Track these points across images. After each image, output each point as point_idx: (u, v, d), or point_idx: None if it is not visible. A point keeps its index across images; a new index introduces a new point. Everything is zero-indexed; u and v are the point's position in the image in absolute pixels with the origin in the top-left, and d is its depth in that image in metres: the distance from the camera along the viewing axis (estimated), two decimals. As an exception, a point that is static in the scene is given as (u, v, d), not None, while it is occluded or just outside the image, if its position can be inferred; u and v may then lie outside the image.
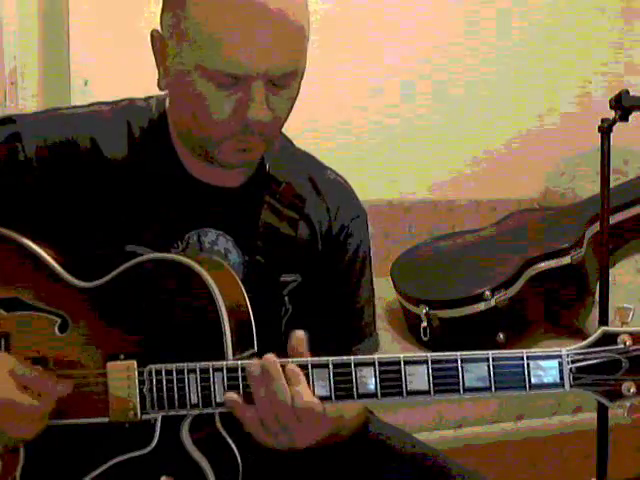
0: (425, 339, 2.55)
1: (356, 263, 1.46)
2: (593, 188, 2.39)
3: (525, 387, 1.16)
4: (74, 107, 1.43)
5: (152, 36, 1.31)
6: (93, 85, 2.68)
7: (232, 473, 1.27)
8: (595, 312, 2.02)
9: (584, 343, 1.16)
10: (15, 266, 1.29)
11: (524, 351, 1.16)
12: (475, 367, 1.16)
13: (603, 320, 1.93)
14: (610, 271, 1.98)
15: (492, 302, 2.53)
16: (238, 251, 1.37)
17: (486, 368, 1.16)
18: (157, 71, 1.31)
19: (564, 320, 2.80)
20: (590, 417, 2.12)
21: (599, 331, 1.16)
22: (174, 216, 1.34)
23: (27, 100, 2.68)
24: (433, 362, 1.17)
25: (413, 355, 1.19)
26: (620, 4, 3.34)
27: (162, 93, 1.39)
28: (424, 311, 2.57)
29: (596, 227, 2.51)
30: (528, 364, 1.16)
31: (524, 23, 3.21)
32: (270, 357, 1.19)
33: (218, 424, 1.25)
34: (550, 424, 2.49)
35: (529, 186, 3.26)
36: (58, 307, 1.27)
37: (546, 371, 1.15)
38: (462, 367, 1.16)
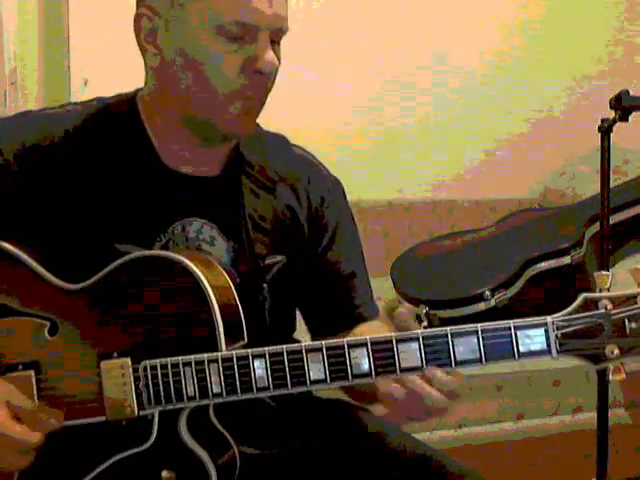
0: (425, 339, 2.55)
1: (338, 231, 1.48)
2: (593, 188, 2.39)
3: (514, 356, 1.19)
4: (45, 109, 1.45)
5: (137, 17, 1.33)
6: (93, 85, 2.68)
7: (230, 465, 1.28)
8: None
9: (567, 310, 1.20)
10: (1, 273, 1.29)
11: (511, 322, 1.20)
12: (465, 340, 1.19)
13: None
14: (610, 271, 1.97)
15: (492, 302, 2.53)
16: (223, 238, 1.38)
17: (475, 340, 1.19)
18: (142, 53, 1.34)
19: (564, 320, 2.80)
20: (590, 417, 2.12)
21: (580, 297, 1.20)
22: (156, 209, 1.35)
23: (27, 100, 2.68)
24: (424, 338, 1.20)
25: (404, 333, 1.20)
26: (622, 3, 3.34)
27: (131, 90, 1.42)
28: (424, 311, 2.57)
29: (596, 227, 2.50)
30: (516, 333, 1.19)
31: (524, 22, 3.21)
32: (415, 379, 1.19)
33: (212, 417, 1.26)
34: (550, 424, 2.50)
35: (529, 186, 3.26)
36: (46, 311, 1.27)
37: (533, 339, 1.19)
38: (452, 341, 1.19)
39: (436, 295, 2.62)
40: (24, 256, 1.29)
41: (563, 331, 1.18)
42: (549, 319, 1.19)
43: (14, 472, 1.25)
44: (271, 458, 1.39)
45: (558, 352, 1.18)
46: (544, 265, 2.65)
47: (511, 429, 2.46)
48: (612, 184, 1.94)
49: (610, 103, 1.89)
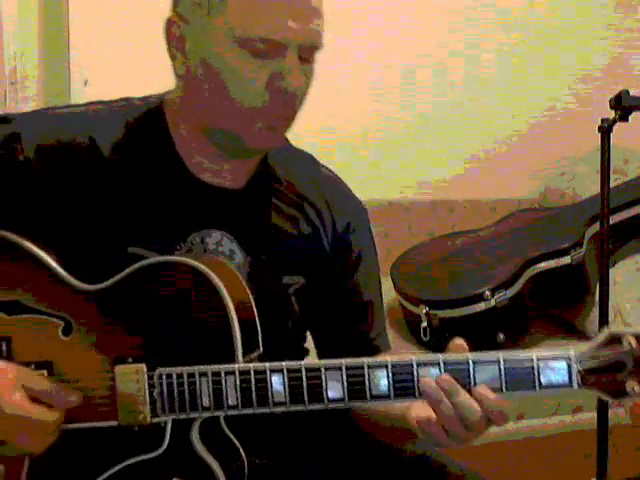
0: (425, 339, 2.55)
1: (362, 258, 1.46)
2: (593, 188, 2.39)
3: (535, 387, 1.18)
4: (70, 106, 1.41)
5: (168, 23, 1.30)
6: (93, 85, 2.68)
7: (238, 473, 1.27)
8: (595, 312, 2.02)
9: (591, 344, 1.18)
10: (16, 269, 1.27)
11: (534, 352, 1.18)
12: (486, 368, 1.18)
13: (603, 320, 1.93)
14: (610, 271, 1.98)
15: (492, 302, 2.53)
16: (242, 252, 1.36)
17: (497, 369, 1.18)
18: (172, 59, 1.31)
19: (564, 320, 2.80)
20: (590, 417, 2.12)
21: (605, 332, 1.18)
22: (177, 218, 1.33)
23: (27, 100, 2.68)
24: (445, 364, 1.18)
25: (425, 357, 1.19)
26: (622, 4, 3.34)
27: (159, 92, 1.39)
28: (424, 311, 2.57)
29: (596, 227, 2.51)
30: (538, 365, 1.17)
31: (524, 22, 3.21)
32: (446, 377, 1.17)
33: (223, 425, 1.25)
34: (550, 424, 2.49)
35: (529, 186, 3.26)
36: (61, 310, 1.25)
37: (555, 372, 1.18)
38: (474, 369, 1.18)
39: (436, 295, 2.63)
40: (40, 253, 1.27)
41: (586, 366, 1.17)
42: (572, 352, 1.18)
43: (25, 461, 1.23)
44: (277, 468, 1.38)
45: (579, 386, 1.18)
46: (544, 265, 2.65)
47: (511, 429, 2.45)
48: (612, 184, 1.94)
49: (610, 103, 1.88)
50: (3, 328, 1.25)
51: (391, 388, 1.18)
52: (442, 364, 1.18)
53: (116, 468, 1.23)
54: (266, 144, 1.32)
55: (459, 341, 1.20)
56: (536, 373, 1.17)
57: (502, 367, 1.17)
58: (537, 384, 1.17)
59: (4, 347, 1.25)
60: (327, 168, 1.49)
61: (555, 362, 1.18)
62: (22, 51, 2.68)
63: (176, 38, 1.29)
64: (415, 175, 3.14)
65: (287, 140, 1.41)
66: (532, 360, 1.17)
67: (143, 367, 1.22)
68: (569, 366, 1.17)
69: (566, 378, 1.17)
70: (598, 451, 1.99)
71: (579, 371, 1.17)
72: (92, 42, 2.69)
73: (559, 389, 1.18)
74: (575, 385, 1.18)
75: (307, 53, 1.28)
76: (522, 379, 1.18)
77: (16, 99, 2.68)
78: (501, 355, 1.18)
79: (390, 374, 1.18)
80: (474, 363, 1.18)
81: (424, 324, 2.56)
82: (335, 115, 2.94)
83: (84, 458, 1.24)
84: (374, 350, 1.44)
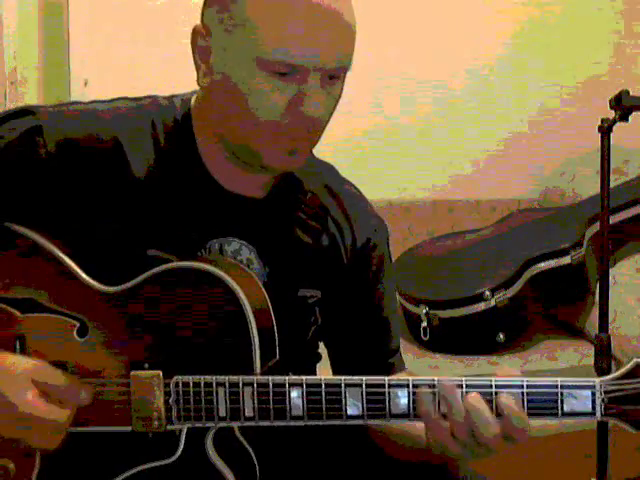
0: (425, 339, 2.55)
1: (381, 274, 1.46)
2: (593, 188, 2.39)
3: (557, 414, 1.17)
4: (95, 102, 1.36)
5: (194, 32, 1.27)
6: (93, 85, 2.68)
7: None
8: (595, 312, 2.02)
9: (617, 374, 1.17)
10: (31, 266, 1.25)
11: (558, 380, 1.18)
12: (509, 393, 1.17)
13: (603, 320, 1.93)
14: (610, 271, 1.97)
15: (492, 302, 2.53)
16: (260, 262, 1.34)
17: (520, 394, 1.17)
18: (196, 69, 1.28)
19: (564, 320, 2.80)
20: (590, 417, 2.11)
21: (632, 362, 1.17)
22: (197, 223, 1.31)
23: (27, 100, 2.68)
24: (468, 386, 1.17)
25: (448, 378, 1.19)
26: (622, 4, 3.34)
27: (186, 92, 1.37)
28: (424, 311, 2.57)
29: (596, 227, 2.51)
30: (562, 392, 1.17)
31: (524, 22, 3.21)
32: (446, 382, 1.17)
33: (238, 434, 1.24)
34: (550, 424, 2.48)
35: (529, 186, 3.26)
36: (77, 310, 1.23)
37: (579, 400, 1.17)
38: (496, 393, 1.17)
39: (436, 295, 2.63)
40: (58, 251, 1.25)
41: (610, 395, 1.16)
42: (597, 381, 1.17)
43: (35, 462, 1.22)
44: (284, 465, 1.38)
45: (602, 415, 1.17)
46: (544, 265, 2.65)
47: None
48: (612, 184, 1.94)
49: (610, 103, 1.88)
50: (17, 326, 1.23)
51: (411, 407, 1.17)
52: (465, 386, 1.17)
53: (128, 473, 1.21)
54: (284, 166, 1.30)
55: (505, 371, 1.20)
56: (559, 401, 1.17)
57: (525, 393, 1.17)
58: (559, 411, 1.17)
59: (18, 345, 1.23)
60: (350, 184, 1.47)
61: (579, 390, 1.17)
62: (22, 51, 2.68)
63: (201, 49, 1.26)
64: (415, 175, 3.14)
65: (311, 153, 1.37)
66: (556, 387, 1.17)
67: (159, 374, 1.20)
68: (593, 395, 1.16)
69: (589, 407, 1.16)
70: (598, 451, 1.99)
71: (603, 400, 1.16)
72: (92, 42, 2.69)
73: (582, 417, 1.18)
74: (598, 414, 1.17)
75: (333, 73, 1.25)
76: (545, 406, 1.17)
77: (16, 99, 2.68)
78: (525, 381, 1.17)
79: (411, 393, 1.17)
80: (497, 387, 1.17)
81: (424, 324, 2.56)
82: (335, 115, 2.93)
83: (96, 462, 1.23)
84: (389, 368, 1.44)
